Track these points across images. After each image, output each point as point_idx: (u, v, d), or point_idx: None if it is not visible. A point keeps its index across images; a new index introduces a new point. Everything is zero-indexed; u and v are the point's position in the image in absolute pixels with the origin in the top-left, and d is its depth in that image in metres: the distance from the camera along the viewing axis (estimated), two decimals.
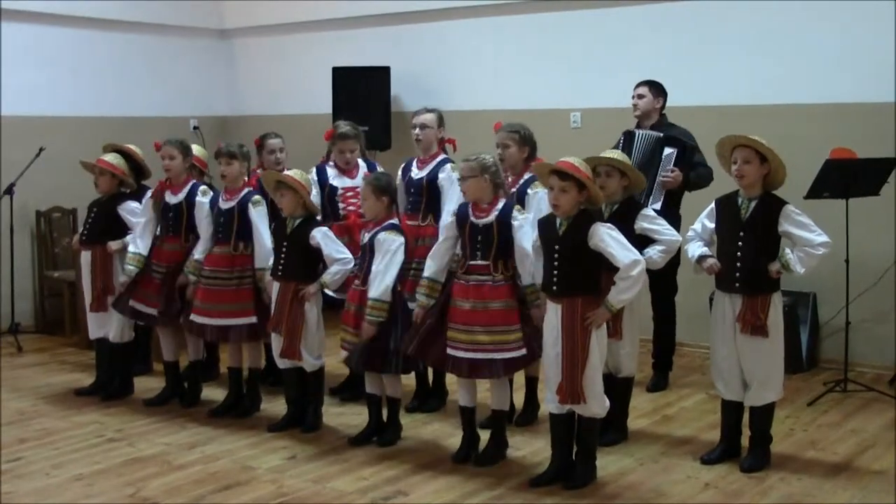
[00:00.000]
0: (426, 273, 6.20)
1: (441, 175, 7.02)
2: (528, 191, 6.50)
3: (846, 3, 8.04)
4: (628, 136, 7.53)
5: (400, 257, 6.26)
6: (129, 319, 7.52)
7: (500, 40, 9.89)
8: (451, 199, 6.83)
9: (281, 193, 6.64)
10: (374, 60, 10.35)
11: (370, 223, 6.38)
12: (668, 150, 7.33)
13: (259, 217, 6.98)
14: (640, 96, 7.74)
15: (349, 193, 7.40)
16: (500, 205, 6.01)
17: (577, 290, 5.58)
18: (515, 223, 5.95)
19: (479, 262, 5.98)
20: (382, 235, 6.26)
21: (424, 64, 10.31)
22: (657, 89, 7.76)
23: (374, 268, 6.24)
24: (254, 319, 6.97)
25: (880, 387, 7.62)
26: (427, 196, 7.06)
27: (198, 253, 7.11)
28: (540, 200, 6.40)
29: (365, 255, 6.35)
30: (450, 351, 5.98)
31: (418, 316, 6.15)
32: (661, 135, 7.43)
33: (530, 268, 5.96)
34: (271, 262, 6.82)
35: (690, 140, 7.52)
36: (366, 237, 6.36)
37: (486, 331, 5.90)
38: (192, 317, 7.05)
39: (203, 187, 7.30)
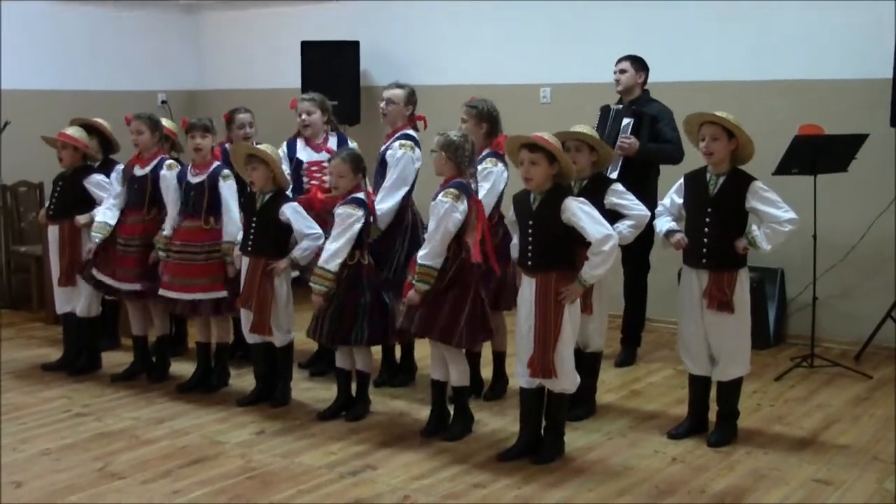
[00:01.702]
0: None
1: (388, 151, 6.96)
2: (479, 166, 6.38)
3: None
4: (604, 112, 7.57)
5: (355, 229, 6.23)
6: (97, 293, 7.51)
7: (469, 15, 9.86)
8: (390, 178, 6.84)
9: (252, 167, 6.60)
10: (344, 35, 10.31)
11: (340, 198, 6.34)
12: (626, 121, 7.40)
13: (229, 191, 6.95)
14: (622, 71, 7.71)
15: (314, 168, 7.36)
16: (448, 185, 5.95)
17: (551, 265, 5.58)
18: (433, 201, 5.89)
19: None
20: (341, 209, 6.25)
21: (394, 39, 10.27)
22: (639, 64, 7.74)
23: (330, 239, 6.26)
24: (223, 294, 6.94)
25: (846, 362, 7.68)
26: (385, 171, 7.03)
27: (167, 229, 7.08)
28: (489, 175, 6.41)
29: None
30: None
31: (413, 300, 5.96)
32: (620, 106, 7.52)
33: (428, 247, 5.88)
34: (239, 236, 6.81)
35: (665, 116, 7.54)
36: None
37: None
38: (162, 291, 7.03)
39: (169, 161, 7.25)
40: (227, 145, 7.46)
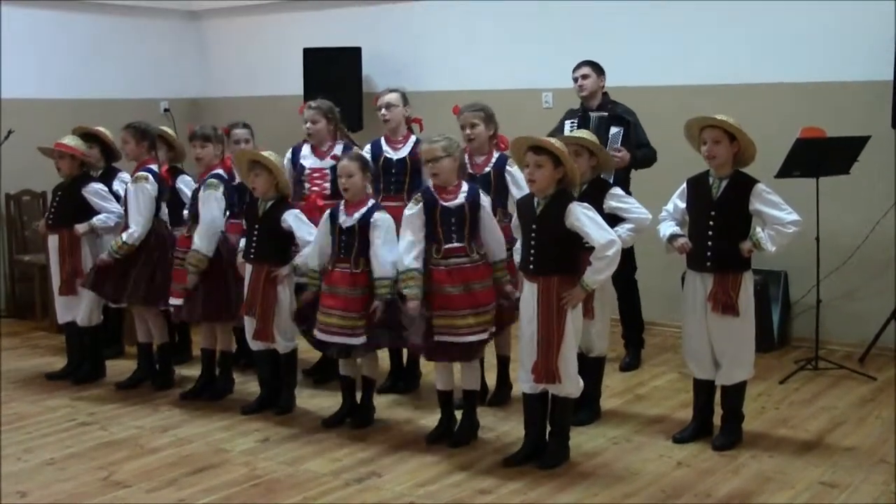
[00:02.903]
0: (413, 265, 5.94)
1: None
2: (509, 168, 6.53)
3: None
4: (583, 118, 7.53)
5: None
6: (97, 302, 7.53)
7: (471, 20, 9.87)
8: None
9: (255, 174, 6.59)
10: (346, 41, 10.31)
11: (351, 204, 6.29)
12: (614, 130, 7.35)
13: (205, 198, 6.89)
14: (585, 76, 7.68)
15: (316, 174, 7.33)
16: (466, 187, 6.03)
17: (553, 270, 5.58)
18: (485, 203, 6.02)
19: (455, 244, 5.98)
20: (378, 216, 6.21)
21: (396, 45, 10.28)
22: (598, 68, 7.72)
23: (377, 248, 6.16)
24: (178, 301, 6.97)
25: (851, 364, 7.66)
26: (410, 177, 7.03)
27: (124, 236, 7.12)
28: (520, 176, 6.43)
29: (353, 236, 6.23)
30: (441, 338, 5.94)
31: (415, 309, 5.92)
32: (606, 114, 7.46)
33: (501, 245, 6.10)
34: (201, 245, 6.82)
35: (634, 118, 7.54)
36: (347, 220, 6.24)
37: (474, 312, 5.92)
38: (173, 300, 7.02)
39: (140, 173, 7.24)
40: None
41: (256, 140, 7.75)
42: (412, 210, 5.98)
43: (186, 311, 6.95)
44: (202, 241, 6.82)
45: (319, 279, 6.33)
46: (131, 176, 7.32)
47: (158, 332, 7.46)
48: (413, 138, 7.10)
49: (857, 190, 7.85)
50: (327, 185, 7.21)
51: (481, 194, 6.05)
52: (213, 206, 6.87)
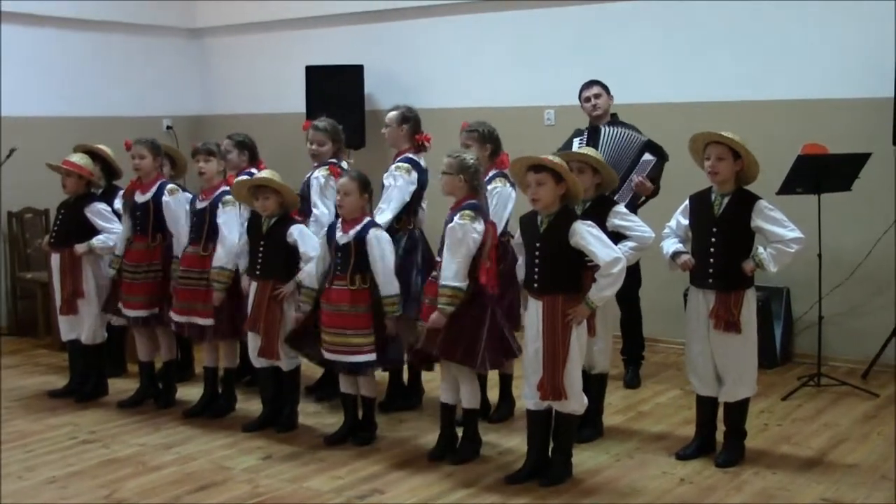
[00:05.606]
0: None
1: (385, 174, 7.01)
2: (488, 186, 6.48)
3: (816, 0, 8.12)
4: (592, 133, 7.51)
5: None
6: (101, 320, 7.53)
7: (473, 38, 9.90)
8: (385, 198, 6.88)
9: (265, 197, 6.58)
10: (348, 59, 10.34)
11: (347, 222, 6.30)
12: (647, 157, 7.26)
13: (224, 216, 6.91)
14: (598, 95, 7.68)
15: None
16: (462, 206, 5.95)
17: (557, 288, 5.58)
18: (449, 224, 5.88)
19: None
20: (374, 233, 6.24)
21: (398, 62, 10.31)
22: (607, 87, 7.74)
23: (380, 266, 6.22)
24: (209, 321, 6.95)
25: (853, 381, 7.65)
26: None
27: (178, 252, 7.14)
28: (497, 196, 6.54)
29: (349, 253, 6.24)
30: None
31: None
32: (647, 139, 7.37)
33: (453, 269, 5.83)
34: (236, 263, 6.83)
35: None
36: (343, 237, 6.26)
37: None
38: (172, 315, 7.08)
39: (170, 186, 7.27)
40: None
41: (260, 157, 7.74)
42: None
43: (221, 331, 6.97)
44: (227, 256, 6.85)
45: (315, 298, 6.38)
46: (141, 193, 7.30)
47: (167, 349, 7.47)
48: (400, 157, 7.06)
49: (859, 207, 7.86)
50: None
51: (456, 219, 5.86)
52: (235, 223, 6.91)
